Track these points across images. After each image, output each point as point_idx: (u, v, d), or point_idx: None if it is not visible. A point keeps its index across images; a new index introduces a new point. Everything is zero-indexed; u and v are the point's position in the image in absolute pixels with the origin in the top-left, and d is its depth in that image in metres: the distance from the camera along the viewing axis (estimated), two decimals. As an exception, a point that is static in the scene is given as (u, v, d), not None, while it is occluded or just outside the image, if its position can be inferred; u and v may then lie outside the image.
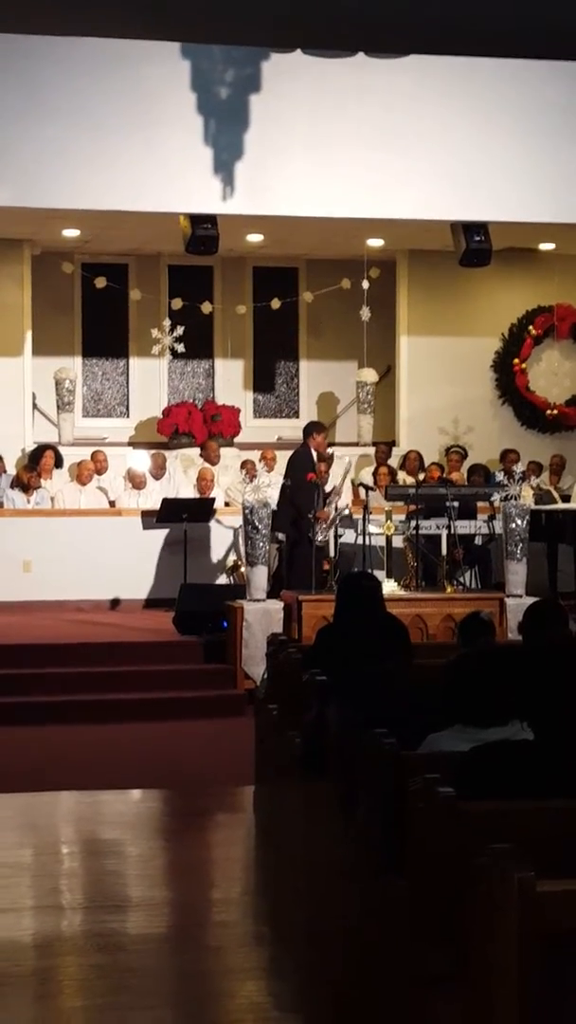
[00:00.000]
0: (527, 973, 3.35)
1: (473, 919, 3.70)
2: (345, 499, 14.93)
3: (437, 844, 4.29)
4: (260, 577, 13.41)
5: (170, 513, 15.64)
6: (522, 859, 3.43)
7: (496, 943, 3.50)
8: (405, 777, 4.70)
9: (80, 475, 17.25)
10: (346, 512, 14.42)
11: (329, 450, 15.76)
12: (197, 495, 16.84)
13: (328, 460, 15.37)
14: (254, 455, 17.99)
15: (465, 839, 4.07)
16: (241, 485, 13.83)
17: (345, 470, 14.83)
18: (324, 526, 14.02)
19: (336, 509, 14.24)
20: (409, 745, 5.52)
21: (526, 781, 4.37)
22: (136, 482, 17.24)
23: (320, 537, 13.99)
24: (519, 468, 14.89)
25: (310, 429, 15.16)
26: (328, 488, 14.48)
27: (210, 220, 14.71)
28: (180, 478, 17.73)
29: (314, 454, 14.85)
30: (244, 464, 17.38)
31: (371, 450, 18.75)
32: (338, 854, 6.10)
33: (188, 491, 17.15)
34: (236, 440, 19.01)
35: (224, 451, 18.32)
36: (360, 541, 13.88)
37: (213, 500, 16.37)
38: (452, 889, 4.08)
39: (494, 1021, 3.51)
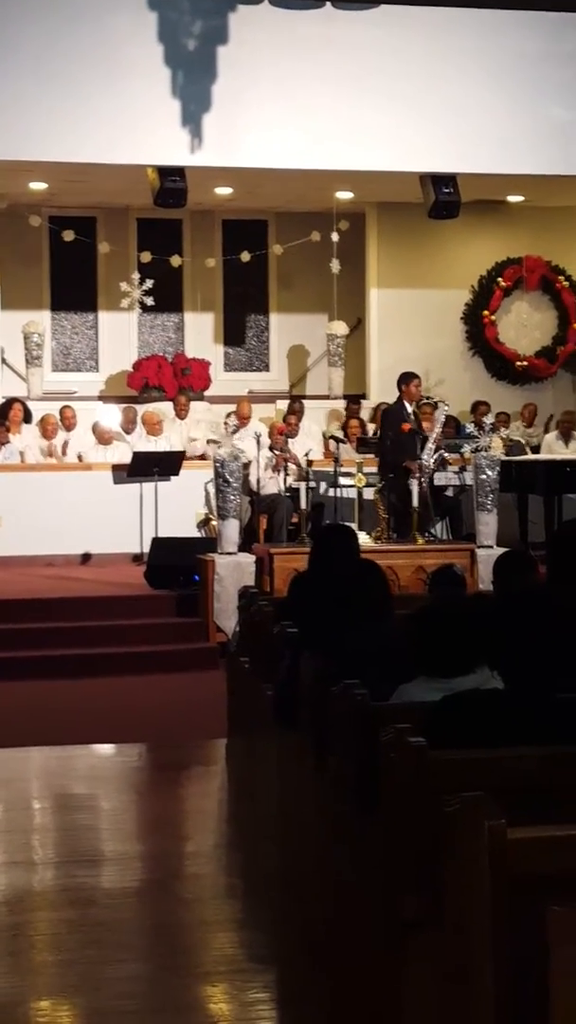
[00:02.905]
0: (499, 918, 3.37)
1: (445, 866, 3.71)
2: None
3: (409, 793, 4.29)
4: (231, 530, 13.39)
5: (140, 467, 15.60)
6: (492, 806, 3.44)
7: (468, 889, 3.51)
8: (377, 728, 4.70)
9: (45, 430, 17.16)
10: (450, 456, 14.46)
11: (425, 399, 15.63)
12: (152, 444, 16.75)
13: (426, 408, 15.30)
14: (226, 408, 17.95)
15: (437, 788, 4.07)
16: (227, 437, 13.78)
17: (441, 419, 14.78)
18: (418, 476, 14.02)
19: (432, 457, 14.29)
20: (384, 695, 5.53)
21: (496, 729, 4.37)
22: (103, 438, 17.15)
23: (415, 488, 13.97)
24: (489, 419, 14.88)
25: (402, 380, 15.06)
26: (431, 436, 14.45)
27: (178, 173, 14.64)
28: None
29: (407, 405, 14.78)
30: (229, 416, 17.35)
31: (342, 403, 18.74)
32: (311, 805, 6.11)
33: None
34: (206, 394, 18.97)
35: (194, 404, 18.27)
36: (332, 493, 13.89)
37: (183, 453, 16.33)
38: (425, 837, 4.09)
39: (467, 965, 3.52)
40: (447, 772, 4.20)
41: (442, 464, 14.77)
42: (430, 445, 14.44)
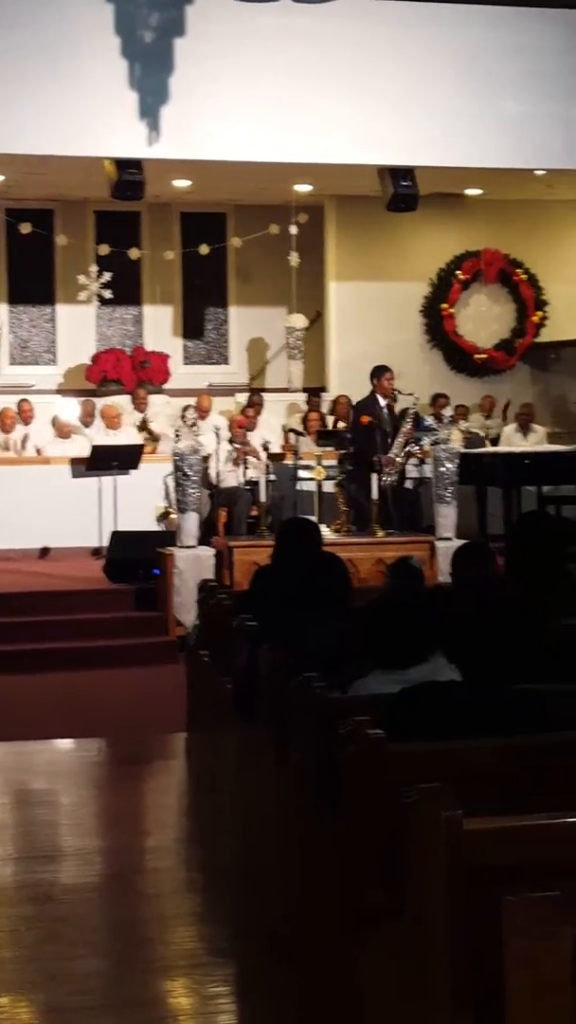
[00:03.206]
0: (455, 909, 3.37)
1: (404, 858, 3.72)
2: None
3: (368, 785, 4.29)
4: (191, 524, 13.37)
5: (99, 461, 15.56)
6: (450, 798, 3.44)
7: (426, 880, 3.51)
8: (336, 720, 4.70)
9: (3, 424, 17.11)
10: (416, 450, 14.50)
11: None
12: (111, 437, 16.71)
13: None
14: (184, 401, 17.93)
15: (395, 780, 4.07)
16: (188, 429, 13.75)
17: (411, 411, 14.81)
18: (389, 470, 14.03)
19: (401, 450, 14.30)
20: (344, 688, 5.53)
21: (454, 721, 4.38)
22: (63, 432, 17.11)
23: (385, 480, 13.98)
24: (448, 412, 14.90)
25: (374, 373, 15.07)
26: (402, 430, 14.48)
27: (136, 165, 14.61)
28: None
29: (380, 399, 14.79)
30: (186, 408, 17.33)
31: (301, 396, 18.74)
32: (271, 798, 6.11)
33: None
34: (165, 387, 18.95)
35: (153, 398, 18.24)
36: (292, 486, 13.89)
37: (142, 447, 16.30)
38: (384, 829, 4.09)
39: (425, 956, 3.53)
40: (405, 764, 4.20)
41: (407, 458, 14.81)
42: (400, 439, 14.46)
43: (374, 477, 13.69)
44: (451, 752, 4.26)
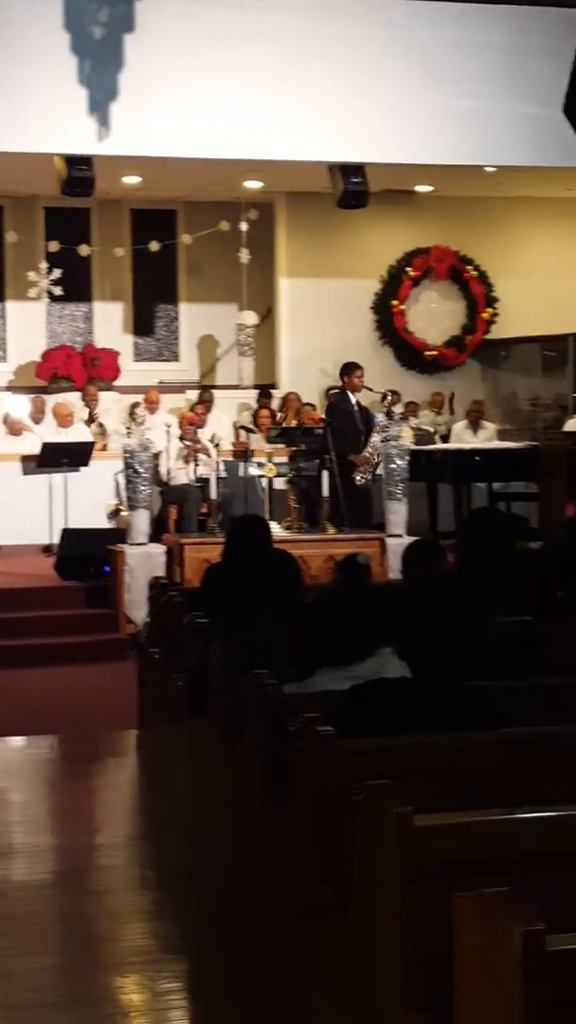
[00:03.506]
0: (405, 905, 3.39)
1: (354, 854, 3.73)
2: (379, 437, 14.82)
3: (318, 782, 4.31)
4: (141, 521, 13.36)
5: (50, 458, 15.51)
6: (400, 794, 3.46)
7: (376, 876, 3.53)
8: (286, 717, 4.72)
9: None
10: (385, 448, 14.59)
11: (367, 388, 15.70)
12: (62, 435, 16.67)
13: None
14: (135, 398, 17.91)
15: (345, 776, 4.09)
16: (138, 428, 13.74)
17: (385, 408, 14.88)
18: (364, 469, 14.05)
19: (374, 447, 14.35)
20: (295, 683, 5.55)
21: (404, 717, 4.40)
22: (14, 429, 17.05)
23: (359, 479, 14.13)
24: (399, 409, 14.93)
25: (344, 371, 15.10)
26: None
27: (86, 161, 14.57)
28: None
29: (351, 396, 14.85)
30: (133, 407, 17.32)
31: (252, 392, 18.74)
32: (222, 795, 6.12)
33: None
34: (116, 384, 18.92)
35: (104, 395, 18.21)
36: (242, 483, 13.90)
37: (92, 444, 16.26)
38: (334, 825, 4.11)
39: (375, 952, 3.55)
40: (355, 760, 4.22)
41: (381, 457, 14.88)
42: (374, 439, 14.52)
43: (325, 474, 13.71)
44: (401, 748, 4.29)
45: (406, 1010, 3.36)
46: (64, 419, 16.94)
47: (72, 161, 14.56)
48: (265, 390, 18.56)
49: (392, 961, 3.43)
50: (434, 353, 19.35)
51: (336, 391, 15.64)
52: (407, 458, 14.09)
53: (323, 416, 17.05)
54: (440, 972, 2.98)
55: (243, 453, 14.72)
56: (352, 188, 15.37)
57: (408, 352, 19.38)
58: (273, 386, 18.99)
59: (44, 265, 18.46)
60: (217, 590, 7.55)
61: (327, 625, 5.26)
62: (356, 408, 14.83)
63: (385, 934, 3.47)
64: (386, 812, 3.45)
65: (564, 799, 3.74)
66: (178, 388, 19.12)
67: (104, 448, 16.67)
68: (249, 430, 15.80)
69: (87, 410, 17.72)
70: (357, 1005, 3.76)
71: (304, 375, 18.87)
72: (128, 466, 13.42)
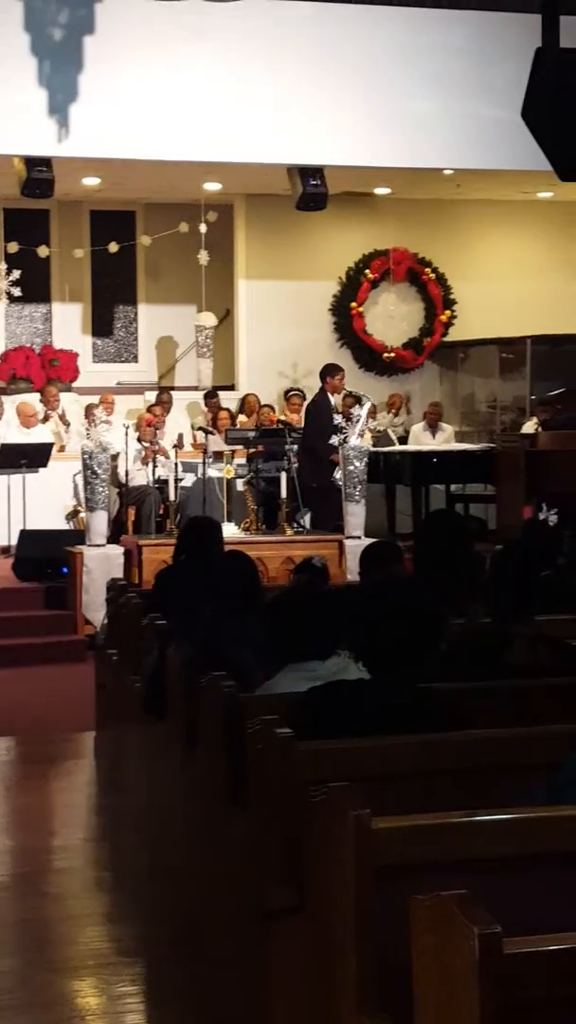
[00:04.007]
0: (363, 907, 3.39)
1: (312, 856, 3.74)
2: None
3: (276, 784, 4.31)
4: (100, 522, 13.34)
5: (8, 459, 15.47)
6: (358, 796, 3.46)
7: (334, 879, 3.53)
8: (244, 719, 4.72)
9: None
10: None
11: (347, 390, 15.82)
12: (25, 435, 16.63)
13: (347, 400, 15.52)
14: (93, 399, 17.86)
15: (303, 778, 4.10)
16: (95, 430, 13.70)
17: (367, 410, 14.91)
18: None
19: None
20: (252, 687, 5.55)
21: (362, 719, 4.41)
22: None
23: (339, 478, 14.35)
24: (357, 411, 14.96)
25: (325, 372, 15.16)
26: (356, 429, 14.53)
27: (45, 163, 14.56)
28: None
29: (331, 398, 14.92)
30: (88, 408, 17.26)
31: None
32: (180, 797, 6.12)
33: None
34: (75, 385, 18.87)
35: (63, 396, 18.16)
36: (201, 485, 13.90)
37: (51, 445, 16.22)
38: (292, 827, 4.11)
39: (333, 955, 3.55)
40: (313, 763, 4.23)
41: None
42: (355, 439, 14.56)
43: (283, 475, 13.73)
44: (359, 751, 4.29)
45: (363, 1012, 3.36)
46: (28, 419, 16.88)
47: (32, 162, 14.54)
48: (212, 392, 18.51)
49: (349, 963, 3.43)
50: (392, 355, 19.37)
51: (317, 394, 15.72)
52: (365, 460, 14.12)
53: (280, 418, 17.12)
54: (398, 975, 2.98)
55: (202, 454, 14.71)
56: (311, 190, 15.41)
57: (366, 354, 19.40)
58: (232, 387, 19.00)
59: (3, 266, 18.40)
60: (169, 592, 7.55)
61: (288, 624, 5.27)
62: (337, 409, 14.98)
63: (342, 936, 3.47)
64: (344, 814, 3.45)
65: (522, 801, 3.75)
66: (137, 389, 19.09)
67: (62, 449, 16.62)
68: (207, 431, 15.79)
69: (46, 411, 17.66)
70: (315, 1007, 3.77)
71: (263, 377, 18.87)
72: (87, 467, 13.41)
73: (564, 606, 6.43)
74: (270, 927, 4.25)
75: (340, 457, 14.28)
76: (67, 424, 17.26)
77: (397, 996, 3.04)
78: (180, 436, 15.16)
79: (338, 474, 14.36)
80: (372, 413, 15.22)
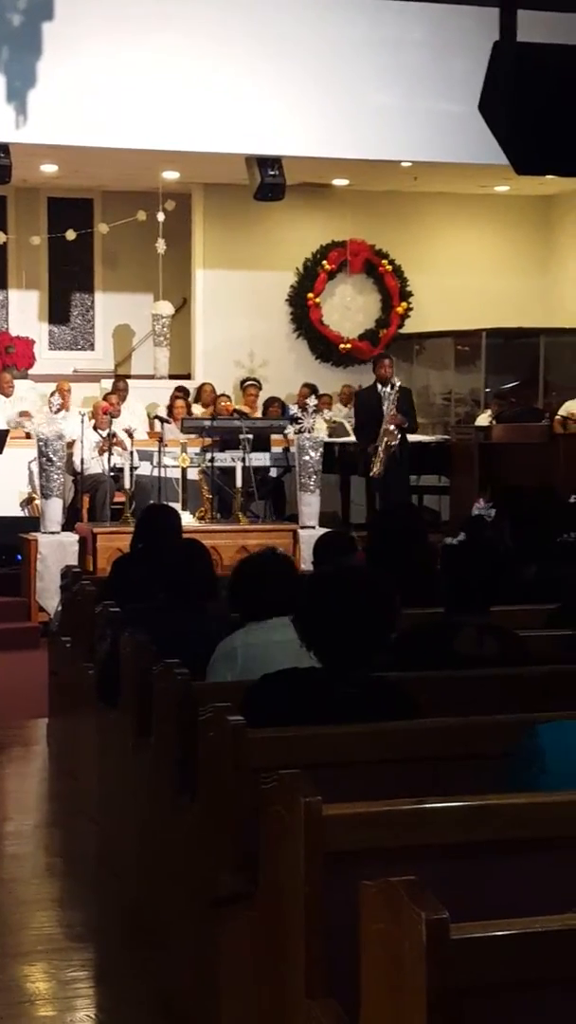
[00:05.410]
0: (313, 894, 3.42)
1: (263, 842, 3.76)
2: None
3: (228, 771, 4.34)
4: (54, 510, 13.33)
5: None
6: (309, 783, 3.49)
7: (284, 865, 3.56)
8: (196, 706, 4.74)
9: None
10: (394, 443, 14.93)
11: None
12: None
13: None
14: (51, 387, 17.81)
15: (254, 766, 4.13)
16: (52, 415, 13.69)
17: (392, 401, 15.00)
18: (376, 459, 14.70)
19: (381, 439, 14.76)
20: (203, 674, 5.58)
21: (313, 707, 4.43)
22: None
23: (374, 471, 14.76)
24: (312, 401, 14.99)
25: (374, 361, 15.59)
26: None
27: (3, 149, 14.54)
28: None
29: (379, 386, 15.04)
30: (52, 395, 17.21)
31: (167, 383, 18.72)
32: (132, 784, 6.14)
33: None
34: (31, 372, 18.82)
35: (18, 383, 18.11)
36: (156, 473, 13.89)
37: (7, 432, 16.16)
38: (243, 813, 4.14)
39: (283, 941, 3.58)
40: (265, 750, 4.25)
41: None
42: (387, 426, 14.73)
43: (238, 464, 13.75)
44: (310, 738, 4.32)
45: (311, 997, 3.39)
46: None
47: (-11, 149, 14.51)
48: (180, 380, 18.48)
49: (298, 948, 3.46)
50: (348, 346, 19.40)
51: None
52: (320, 450, 14.16)
53: (237, 408, 17.14)
54: (346, 960, 3.01)
55: (158, 443, 14.70)
56: (269, 181, 15.43)
57: (322, 345, 19.42)
58: (188, 376, 18.99)
59: (-41, 252, 18.36)
60: (126, 580, 7.56)
61: (241, 585, 5.66)
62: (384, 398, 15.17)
63: (292, 922, 3.50)
64: (295, 801, 3.48)
65: (472, 789, 3.78)
66: (93, 377, 19.06)
67: (28, 436, 16.56)
68: (163, 420, 15.78)
69: (2, 398, 17.60)
70: (264, 992, 3.80)
71: (219, 366, 18.87)
72: (42, 454, 13.39)
73: (512, 598, 6.46)
74: (221, 913, 4.27)
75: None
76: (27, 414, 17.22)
77: (346, 980, 3.07)
78: (129, 429, 15.10)
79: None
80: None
